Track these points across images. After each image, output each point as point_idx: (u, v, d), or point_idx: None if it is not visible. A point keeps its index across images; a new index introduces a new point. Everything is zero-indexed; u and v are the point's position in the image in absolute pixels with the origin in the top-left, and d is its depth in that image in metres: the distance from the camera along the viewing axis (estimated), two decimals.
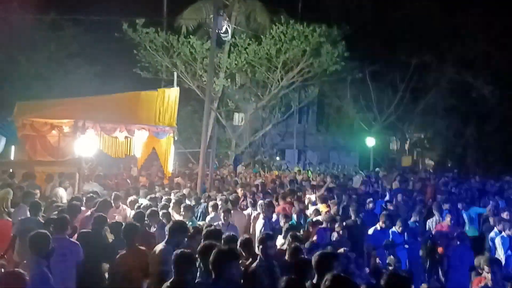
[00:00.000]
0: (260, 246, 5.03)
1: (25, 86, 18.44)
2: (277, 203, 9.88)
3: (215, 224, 7.31)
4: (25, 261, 4.72)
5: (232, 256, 3.90)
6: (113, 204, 8.08)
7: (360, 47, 23.43)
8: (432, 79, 26.20)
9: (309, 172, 19.44)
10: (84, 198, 8.53)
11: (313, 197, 10.89)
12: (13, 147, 10.89)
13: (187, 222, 6.74)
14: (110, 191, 10.12)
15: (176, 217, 7.93)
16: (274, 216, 8.55)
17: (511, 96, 25.50)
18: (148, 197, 9.33)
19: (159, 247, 5.24)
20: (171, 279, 4.10)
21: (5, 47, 18.46)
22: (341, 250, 6.45)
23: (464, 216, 10.37)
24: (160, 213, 7.46)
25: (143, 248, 5.58)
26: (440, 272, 8.56)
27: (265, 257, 4.94)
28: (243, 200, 10.21)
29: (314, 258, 4.48)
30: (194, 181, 13.75)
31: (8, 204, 8.89)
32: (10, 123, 9.96)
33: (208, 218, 8.30)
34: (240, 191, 11.16)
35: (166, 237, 5.43)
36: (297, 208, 9.17)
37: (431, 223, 9.56)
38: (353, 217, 9.04)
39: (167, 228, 5.59)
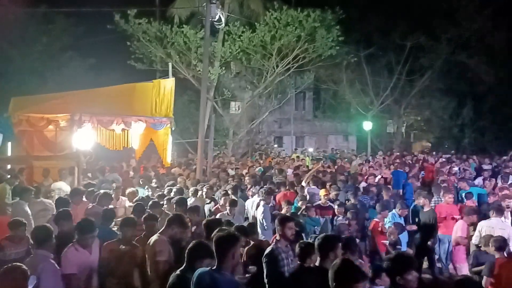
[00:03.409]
0: (279, 227, 5.06)
1: (19, 81, 18.33)
2: (277, 189, 9.95)
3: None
4: (31, 255, 4.73)
5: (234, 241, 3.93)
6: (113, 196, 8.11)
7: (354, 31, 23.32)
8: (427, 61, 26.14)
9: (308, 159, 19.47)
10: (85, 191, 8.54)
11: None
12: (9, 143, 10.83)
13: None
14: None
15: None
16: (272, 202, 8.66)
17: (507, 76, 25.54)
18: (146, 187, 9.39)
19: (153, 238, 5.24)
20: (182, 267, 4.13)
21: None
22: None
23: (464, 196, 10.43)
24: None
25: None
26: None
27: (284, 238, 5.00)
28: (248, 189, 10.30)
29: (317, 241, 4.54)
30: (192, 170, 13.76)
31: (7, 199, 8.98)
32: (6, 119, 9.90)
33: (190, 201, 8.39)
34: (247, 180, 11.23)
35: (163, 227, 5.43)
36: (304, 195, 9.24)
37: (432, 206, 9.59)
38: (352, 201, 9.12)
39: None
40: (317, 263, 4.47)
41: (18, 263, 4.03)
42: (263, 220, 7.73)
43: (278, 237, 5.05)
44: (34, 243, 4.78)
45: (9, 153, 10.95)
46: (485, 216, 7.88)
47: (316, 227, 8.11)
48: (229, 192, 8.82)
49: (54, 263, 4.65)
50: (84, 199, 8.09)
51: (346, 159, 19.12)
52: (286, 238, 5.02)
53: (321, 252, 4.44)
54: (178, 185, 9.88)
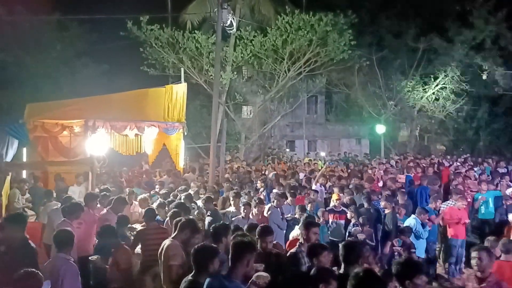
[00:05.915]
0: (304, 231, 5.24)
1: (34, 87, 18.55)
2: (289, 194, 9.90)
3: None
4: (50, 259, 4.79)
5: (252, 248, 3.90)
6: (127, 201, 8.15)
7: (367, 33, 23.22)
8: (441, 63, 25.87)
9: (320, 163, 19.36)
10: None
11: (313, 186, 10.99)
12: (25, 149, 10.98)
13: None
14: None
15: None
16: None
17: None
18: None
19: (166, 242, 5.26)
20: (193, 272, 4.08)
21: (12, 49, 18.59)
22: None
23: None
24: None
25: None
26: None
27: (307, 242, 5.11)
28: (260, 193, 10.31)
29: (342, 248, 4.49)
30: (203, 176, 13.76)
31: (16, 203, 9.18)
32: (22, 125, 10.02)
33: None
34: (259, 184, 11.25)
35: (175, 232, 5.43)
36: (312, 198, 9.23)
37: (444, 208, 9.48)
38: (365, 205, 9.03)
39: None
40: (341, 271, 4.40)
41: (35, 270, 4.04)
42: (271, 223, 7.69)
43: (301, 241, 5.20)
44: (55, 247, 4.85)
45: (24, 159, 11.09)
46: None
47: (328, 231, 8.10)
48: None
49: (75, 265, 4.72)
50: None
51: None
52: (308, 242, 5.13)
53: (346, 259, 4.42)
54: (190, 190, 9.89)
